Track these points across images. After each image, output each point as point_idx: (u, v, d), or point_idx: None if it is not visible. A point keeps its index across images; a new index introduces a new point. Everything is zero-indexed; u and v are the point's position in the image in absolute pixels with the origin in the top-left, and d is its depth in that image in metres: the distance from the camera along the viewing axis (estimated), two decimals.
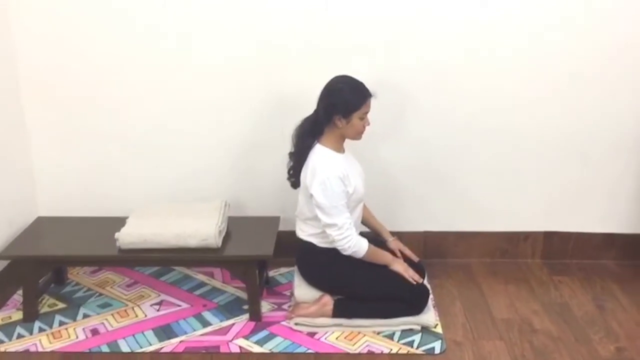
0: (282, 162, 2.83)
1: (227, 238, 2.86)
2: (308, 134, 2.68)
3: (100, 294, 3.04)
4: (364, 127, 2.67)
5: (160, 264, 3.10)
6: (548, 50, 2.99)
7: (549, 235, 3.29)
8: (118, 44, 3.02)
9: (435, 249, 3.32)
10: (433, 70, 3.03)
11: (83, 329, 2.76)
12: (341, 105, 2.58)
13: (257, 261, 2.82)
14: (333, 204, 2.58)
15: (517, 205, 3.26)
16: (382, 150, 3.16)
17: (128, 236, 2.75)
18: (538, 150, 3.16)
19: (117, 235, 2.76)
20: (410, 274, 2.70)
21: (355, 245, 2.63)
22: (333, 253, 2.72)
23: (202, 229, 2.76)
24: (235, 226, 2.96)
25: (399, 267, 2.72)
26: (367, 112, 2.64)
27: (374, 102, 2.64)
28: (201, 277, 3.17)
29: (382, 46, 3.00)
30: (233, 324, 2.78)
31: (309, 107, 2.68)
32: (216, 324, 2.79)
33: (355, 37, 2.98)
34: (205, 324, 2.79)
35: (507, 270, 3.23)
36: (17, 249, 2.86)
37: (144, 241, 2.74)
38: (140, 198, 3.17)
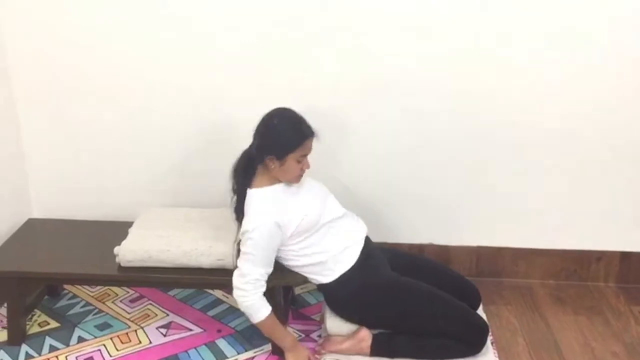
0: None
1: None
2: (242, 172, 2.28)
3: (100, 311, 2.62)
4: (302, 171, 2.23)
5: (168, 285, 2.66)
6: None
7: (626, 256, 2.78)
8: (115, 35, 2.60)
9: (490, 267, 2.84)
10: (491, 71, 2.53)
11: (77, 357, 2.34)
12: (275, 145, 2.18)
13: (283, 286, 2.37)
14: (251, 251, 2.17)
15: (589, 220, 2.75)
16: (428, 154, 2.69)
17: (130, 253, 2.31)
18: (614, 160, 2.65)
19: (117, 250, 2.33)
20: None
21: (251, 307, 2.18)
22: (365, 277, 2.27)
23: (217, 246, 2.32)
24: None
25: (296, 357, 2.27)
26: (305, 155, 2.21)
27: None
28: (217, 293, 2.73)
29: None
30: (252, 358, 2.35)
31: None
32: (232, 357, 2.35)
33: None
34: (220, 356, 2.35)
35: (576, 296, 2.74)
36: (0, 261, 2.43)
37: (149, 258, 2.31)
38: (143, 198, 2.74)
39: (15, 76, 2.67)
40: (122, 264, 2.33)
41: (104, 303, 2.67)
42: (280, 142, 2.18)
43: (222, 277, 2.31)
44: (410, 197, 2.75)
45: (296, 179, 2.26)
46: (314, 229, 2.26)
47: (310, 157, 2.23)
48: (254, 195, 2.25)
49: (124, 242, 2.35)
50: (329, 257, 2.27)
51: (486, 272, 2.84)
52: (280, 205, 2.22)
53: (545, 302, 2.70)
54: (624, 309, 2.65)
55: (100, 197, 2.82)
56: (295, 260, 2.29)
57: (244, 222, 2.23)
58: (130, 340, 2.44)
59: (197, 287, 2.65)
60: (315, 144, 2.23)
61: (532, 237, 2.79)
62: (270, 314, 2.20)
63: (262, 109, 2.22)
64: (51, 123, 2.73)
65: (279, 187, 2.27)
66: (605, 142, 2.63)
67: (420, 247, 2.81)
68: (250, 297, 2.17)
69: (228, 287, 2.28)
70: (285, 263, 2.30)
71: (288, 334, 2.32)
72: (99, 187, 2.81)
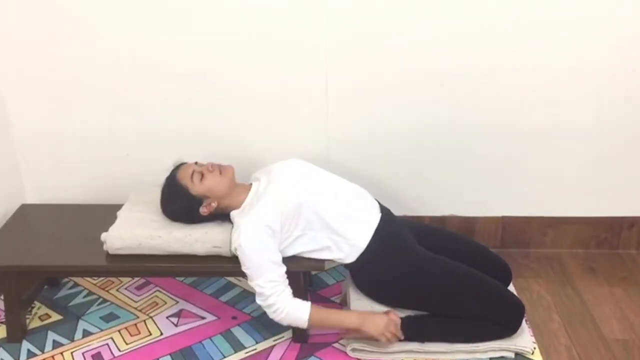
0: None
1: None
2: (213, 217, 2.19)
3: (104, 300, 2.44)
4: (214, 179, 2.12)
5: (161, 274, 2.44)
6: None
7: None
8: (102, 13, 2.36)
9: (516, 237, 2.68)
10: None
11: (83, 353, 2.17)
12: (182, 213, 2.16)
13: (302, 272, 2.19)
14: (250, 265, 2.02)
15: (619, 186, 2.59)
16: (448, 122, 2.50)
17: (118, 240, 2.12)
18: None
19: (104, 236, 2.14)
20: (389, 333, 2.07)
21: (290, 316, 2.02)
22: (393, 253, 2.11)
23: (213, 232, 2.13)
24: None
25: (375, 326, 2.06)
26: (192, 174, 2.12)
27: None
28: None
29: None
30: (273, 347, 2.19)
31: None
32: (251, 346, 2.19)
33: None
34: (238, 346, 2.19)
35: (608, 265, 2.60)
36: None
37: (139, 245, 2.12)
38: (139, 178, 2.53)
39: (4, 56, 2.43)
40: (110, 252, 2.14)
41: (107, 291, 2.49)
42: (179, 209, 2.15)
43: (218, 264, 2.13)
44: (431, 167, 2.57)
45: (225, 182, 2.13)
46: (300, 211, 2.08)
47: None
48: (234, 215, 2.14)
49: (111, 228, 2.16)
50: (335, 237, 2.10)
51: (512, 243, 2.68)
52: (257, 207, 2.06)
53: (576, 273, 2.56)
54: None
55: (96, 178, 2.61)
56: (303, 246, 2.12)
57: (232, 240, 2.08)
58: (139, 332, 2.27)
59: (193, 275, 2.48)
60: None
61: (561, 205, 2.63)
62: (312, 310, 2.03)
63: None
64: (41, 103, 2.51)
65: (252, 191, 2.15)
66: (636, 104, 2.44)
67: (443, 220, 2.65)
68: (281, 307, 2.01)
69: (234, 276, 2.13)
70: (297, 251, 2.13)
71: (347, 313, 2.13)
72: (94, 168, 2.60)
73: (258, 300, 2.04)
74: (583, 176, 2.58)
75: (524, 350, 2.09)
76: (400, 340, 2.10)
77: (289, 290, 2.03)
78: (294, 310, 2.01)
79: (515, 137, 2.51)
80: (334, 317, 2.11)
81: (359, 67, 2.41)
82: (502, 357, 2.09)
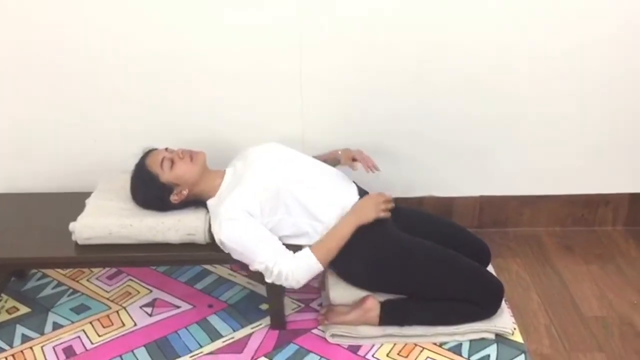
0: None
1: None
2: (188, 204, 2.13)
3: (75, 291, 2.36)
4: (185, 166, 2.06)
5: (133, 264, 2.35)
6: None
7: (636, 198, 2.63)
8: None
9: (494, 217, 2.67)
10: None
11: (53, 347, 2.10)
12: (152, 202, 2.10)
13: None
14: (243, 251, 1.98)
15: (595, 163, 2.57)
16: (426, 102, 2.44)
17: (87, 229, 2.04)
18: (618, 98, 2.44)
19: (72, 226, 2.06)
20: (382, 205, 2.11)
21: (300, 270, 1.97)
22: (373, 238, 2.07)
23: (186, 219, 2.07)
24: None
25: (368, 210, 2.08)
26: (162, 161, 2.06)
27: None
28: None
29: None
30: (250, 335, 2.14)
31: None
32: (228, 334, 2.14)
33: None
34: (214, 335, 2.14)
35: (585, 242, 2.60)
36: None
37: (109, 234, 2.04)
38: (110, 166, 2.42)
39: None
40: (79, 242, 2.06)
41: (78, 282, 2.41)
42: (150, 197, 2.09)
43: (193, 252, 2.07)
44: (407, 148, 2.52)
45: (196, 169, 2.07)
46: (278, 196, 2.03)
47: None
48: (211, 205, 2.09)
49: (79, 217, 2.07)
50: (313, 222, 2.06)
51: (490, 223, 2.66)
52: (234, 193, 2.01)
53: (553, 251, 2.55)
54: (636, 254, 2.51)
55: (64, 165, 2.51)
56: (282, 231, 2.06)
57: (213, 232, 2.02)
58: (112, 324, 2.20)
59: (167, 264, 2.41)
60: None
61: (537, 184, 2.61)
62: (315, 252, 1.99)
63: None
64: (6, 90, 2.39)
65: (227, 177, 2.10)
66: (609, 78, 2.41)
67: (420, 201, 2.61)
68: (288, 272, 1.96)
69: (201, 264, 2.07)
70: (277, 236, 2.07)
71: (341, 224, 2.05)
72: (61, 155, 2.50)
73: (268, 280, 1.99)
74: (558, 154, 2.55)
75: (504, 331, 2.08)
76: (379, 324, 2.08)
77: (288, 254, 1.99)
78: (301, 267, 1.97)
79: (492, 119, 2.47)
80: (334, 237, 2.04)
81: (334, 49, 2.34)
82: (482, 338, 2.07)
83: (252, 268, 2.00)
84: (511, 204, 2.65)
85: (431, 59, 2.36)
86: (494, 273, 2.22)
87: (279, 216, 2.04)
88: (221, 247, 2.00)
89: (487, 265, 2.24)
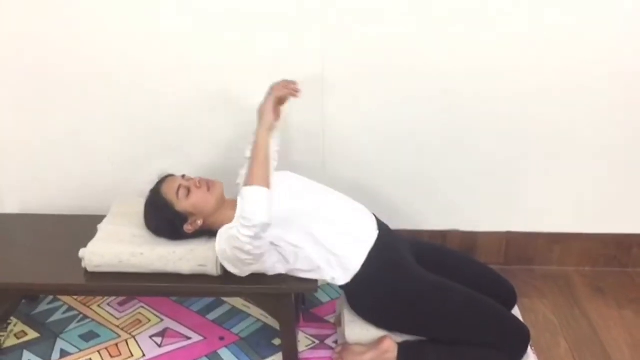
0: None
1: None
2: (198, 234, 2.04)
3: (84, 317, 2.31)
4: (201, 196, 1.97)
5: (142, 294, 2.30)
6: None
7: None
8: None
9: (520, 254, 2.55)
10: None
11: None
12: (165, 230, 2.02)
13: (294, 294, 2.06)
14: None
15: (629, 202, 2.45)
16: (451, 134, 2.36)
17: (96, 256, 1.98)
18: None
19: (82, 252, 2.00)
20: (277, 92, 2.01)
21: (250, 209, 1.83)
22: (394, 276, 1.97)
23: (198, 249, 1.99)
24: None
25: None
26: (178, 189, 1.97)
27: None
28: None
29: None
30: None
31: None
32: None
33: None
34: None
35: (617, 284, 2.46)
36: None
37: (119, 263, 1.98)
38: (125, 190, 2.38)
39: None
40: (88, 269, 2.00)
41: (89, 307, 2.36)
42: (161, 224, 2.02)
43: (204, 284, 1.99)
44: (432, 180, 2.43)
45: (213, 199, 1.98)
46: (290, 227, 1.94)
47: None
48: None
49: (90, 244, 2.02)
50: (328, 256, 1.96)
51: (516, 260, 2.55)
52: None
53: (584, 293, 2.42)
54: None
55: (78, 187, 2.47)
56: (294, 265, 1.98)
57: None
58: (120, 354, 2.14)
59: (176, 295, 2.34)
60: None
61: (567, 221, 2.50)
62: (245, 186, 1.90)
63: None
64: (18, 111, 2.37)
65: (239, 210, 1.93)
66: None
67: (444, 234, 2.51)
68: (243, 210, 1.84)
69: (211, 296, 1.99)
70: (289, 268, 1.99)
71: (256, 141, 1.98)
72: (76, 177, 2.46)
73: (245, 242, 1.84)
74: (591, 191, 2.44)
75: None
76: None
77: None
78: (248, 204, 1.84)
79: (521, 151, 2.37)
80: (256, 158, 1.94)
81: (357, 75, 2.26)
82: None
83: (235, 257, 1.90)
84: (539, 241, 2.53)
85: (459, 90, 2.27)
86: (519, 315, 2.12)
87: (290, 249, 1.96)
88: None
89: (512, 307, 2.12)
